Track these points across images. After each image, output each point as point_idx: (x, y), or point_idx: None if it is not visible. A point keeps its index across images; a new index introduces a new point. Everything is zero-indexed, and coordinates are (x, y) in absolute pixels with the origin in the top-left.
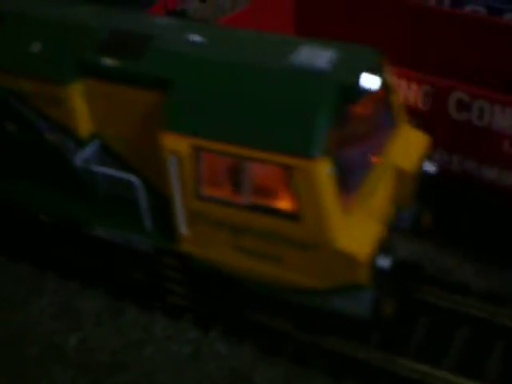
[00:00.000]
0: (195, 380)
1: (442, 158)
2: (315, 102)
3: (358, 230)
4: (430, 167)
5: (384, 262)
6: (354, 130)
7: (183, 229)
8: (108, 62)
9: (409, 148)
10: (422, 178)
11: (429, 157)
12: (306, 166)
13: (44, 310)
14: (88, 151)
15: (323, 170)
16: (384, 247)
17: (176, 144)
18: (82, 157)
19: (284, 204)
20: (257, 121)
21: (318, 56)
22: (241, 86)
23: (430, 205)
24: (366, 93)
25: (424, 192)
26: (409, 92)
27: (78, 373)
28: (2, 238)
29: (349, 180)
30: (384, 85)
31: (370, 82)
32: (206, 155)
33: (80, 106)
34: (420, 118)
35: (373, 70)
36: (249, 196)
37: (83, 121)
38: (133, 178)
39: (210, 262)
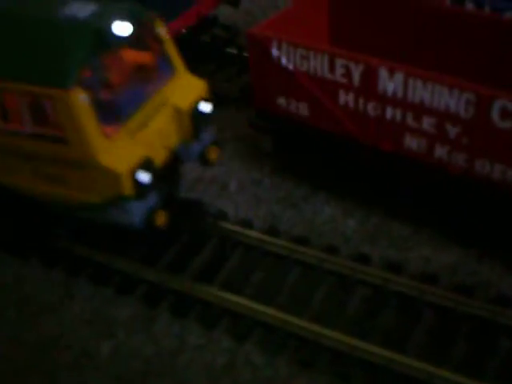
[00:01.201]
0: None
1: (483, 167)
2: (70, 44)
3: (119, 152)
4: (205, 107)
5: (144, 177)
6: (126, 73)
7: None
8: None
9: (185, 91)
10: (199, 116)
11: (206, 99)
12: (62, 96)
13: (77, 317)
14: None
15: (77, 100)
16: (147, 166)
17: None
18: None
19: (56, 131)
20: (27, 60)
21: (81, 9)
22: (12, 33)
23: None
24: (120, 39)
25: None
26: (450, 99)
27: (112, 381)
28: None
29: (114, 112)
30: (157, 38)
31: (121, 29)
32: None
33: None
34: (461, 126)
35: (127, 20)
36: (31, 126)
37: None
38: None
39: (15, 187)
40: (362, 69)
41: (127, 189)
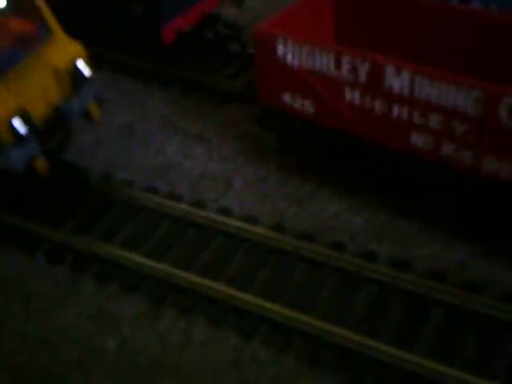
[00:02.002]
0: None
1: (491, 165)
2: None
3: None
4: (82, 66)
5: (19, 125)
6: (7, 38)
7: None
8: None
9: (63, 52)
10: (77, 74)
11: (84, 60)
12: None
13: (82, 313)
14: None
15: None
16: (22, 115)
17: None
18: None
19: None
20: None
21: None
22: None
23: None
24: None
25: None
26: (457, 97)
27: (118, 377)
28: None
29: None
30: (34, 6)
31: None
32: None
33: None
34: (469, 125)
35: None
36: None
37: None
38: None
39: None
40: (369, 66)
41: (4, 134)
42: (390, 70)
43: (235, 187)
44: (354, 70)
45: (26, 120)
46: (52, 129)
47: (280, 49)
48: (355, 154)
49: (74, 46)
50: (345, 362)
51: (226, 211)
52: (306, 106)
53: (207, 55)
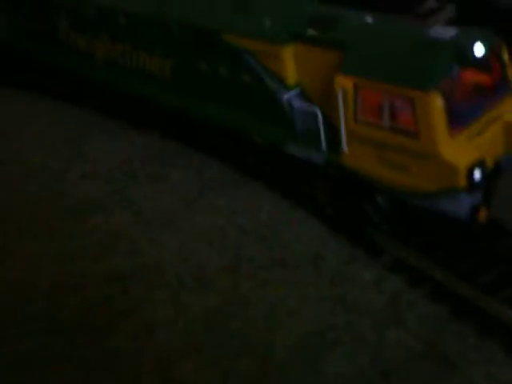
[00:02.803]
0: None
1: None
2: (437, 56)
3: (460, 150)
4: None
5: (477, 174)
6: (473, 89)
7: (346, 146)
8: (310, 31)
9: None
10: None
11: None
12: (423, 97)
13: None
14: (292, 93)
15: (436, 102)
16: (480, 165)
17: (343, 83)
18: (288, 96)
19: (409, 126)
20: (395, 67)
21: (445, 32)
22: (389, 46)
23: None
24: (476, 57)
25: None
26: None
27: None
28: None
29: (459, 117)
30: (501, 61)
31: (479, 49)
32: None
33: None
34: None
35: (484, 42)
36: (388, 120)
37: (291, 73)
38: (316, 110)
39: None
40: None
41: (462, 181)
42: None
43: None
44: None
45: (483, 171)
46: (491, 181)
47: None
48: None
49: None
50: None
51: None
52: None
53: None
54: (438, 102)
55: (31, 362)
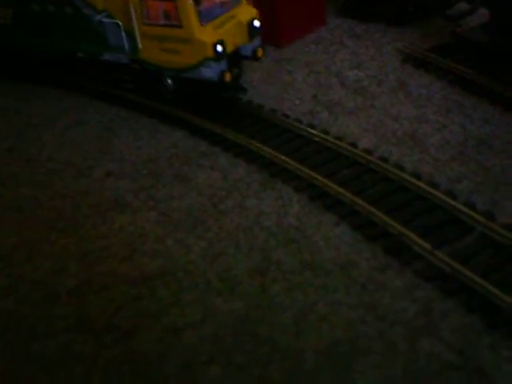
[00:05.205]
0: None
1: None
2: None
3: (208, 34)
4: (256, 23)
5: (219, 47)
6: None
7: (140, 45)
8: None
9: (245, 13)
10: (252, 28)
11: (256, 19)
12: (182, 2)
13: None
14: (102, 15)
15: (189, 5)
16: (221, 43)
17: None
18: (98, 18)
19: (176, 21)
20: None
21: None
22: None
23: None
24: None
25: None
26: None
27: None
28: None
29: (206, 15)
30: None
31: None
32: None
33: None
34: None
35: None
36: (163, 20)
37: (99, 1)
38: (120, 23)
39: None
40: None
41: (210, 53)
42: None
43: None
44: None
45: (223, 46)
46: (233, 61)
47: None
48: None
49: (252, 10)
50: None
51: None
52: None
53: None
54: (190, 5)
55: (58, 362)
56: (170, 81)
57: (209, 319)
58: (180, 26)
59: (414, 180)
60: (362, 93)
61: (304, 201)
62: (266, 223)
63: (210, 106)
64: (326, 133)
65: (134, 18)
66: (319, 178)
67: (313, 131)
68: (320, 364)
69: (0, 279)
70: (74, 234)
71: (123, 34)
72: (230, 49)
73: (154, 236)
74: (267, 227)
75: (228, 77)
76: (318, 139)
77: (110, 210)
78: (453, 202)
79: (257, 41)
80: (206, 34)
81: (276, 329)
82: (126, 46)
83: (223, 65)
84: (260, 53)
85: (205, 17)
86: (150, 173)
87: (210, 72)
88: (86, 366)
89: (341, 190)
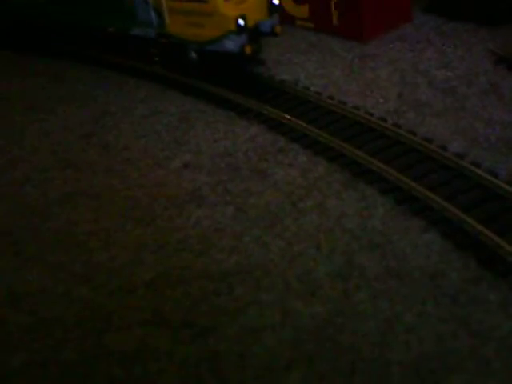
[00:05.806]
0: None
1: None
2: None
3: (230, 9)
4: (275, 1)
5: (241, 22)
6: None
7: (167, 19)
8: None
9: None
10: (271, 5)
11: None
12: None
13: None
14: None
15: None
16: (243, 17)
17: None
18: None
19: None
20: None
21: None
22: None
23: None
24: None
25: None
26: None
27: None
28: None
29: None
30: None
31: None
32: None
33: None
34: None
35: None
36: None
37: None
38: (149, 1)
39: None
40: None
41: (232, 26)
42: None
43: None
44: None
45: (245, 21)
46: (253, 37)
47: None
48: None
49: None
50: None
51: None
52: None
53: None
54: None
55: (134, 356)
56: (194, 54)
57: (288, 322)
58: (205, 1)
59: (510, 188)
60: (451, 94)
61: (390, 204)
62: (349, 225)
63: (290, 101)
64: (413, 134)
65: None
66: (406, 180)
67: (399, 131)
68: (407, 378)
69: (77, 266)
70: (149, 224)
71: (151, 9)
72: (250, 23)
73: (231, 232)
74: (349, 230)
75: (248, 49)
76: (404, 140)
77: (186, 203)
78: None
79: (275, 17)
80: (229, 9)
81: (359, 338)
82: (154, 21)
83: (244, 38)
84: (278, 29)
85: None
86: (228, 166)
87: (231, 44)
88: (162, 363)
89: (430, 194)
